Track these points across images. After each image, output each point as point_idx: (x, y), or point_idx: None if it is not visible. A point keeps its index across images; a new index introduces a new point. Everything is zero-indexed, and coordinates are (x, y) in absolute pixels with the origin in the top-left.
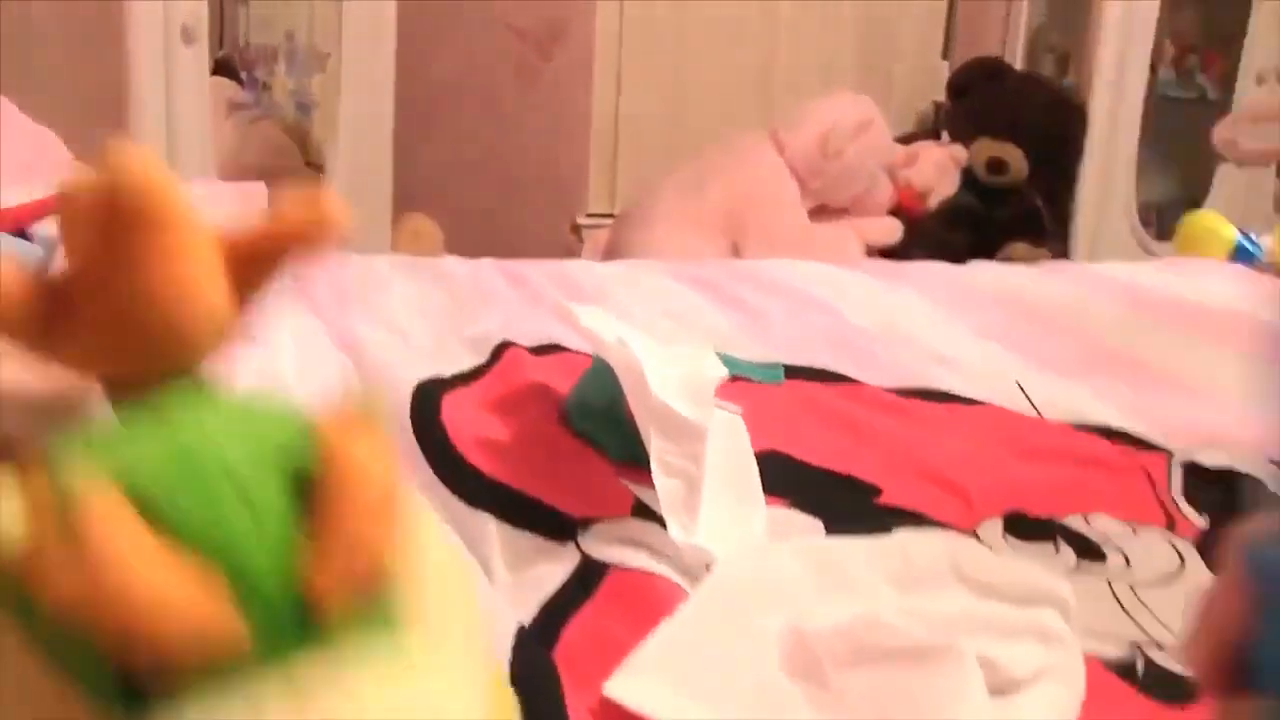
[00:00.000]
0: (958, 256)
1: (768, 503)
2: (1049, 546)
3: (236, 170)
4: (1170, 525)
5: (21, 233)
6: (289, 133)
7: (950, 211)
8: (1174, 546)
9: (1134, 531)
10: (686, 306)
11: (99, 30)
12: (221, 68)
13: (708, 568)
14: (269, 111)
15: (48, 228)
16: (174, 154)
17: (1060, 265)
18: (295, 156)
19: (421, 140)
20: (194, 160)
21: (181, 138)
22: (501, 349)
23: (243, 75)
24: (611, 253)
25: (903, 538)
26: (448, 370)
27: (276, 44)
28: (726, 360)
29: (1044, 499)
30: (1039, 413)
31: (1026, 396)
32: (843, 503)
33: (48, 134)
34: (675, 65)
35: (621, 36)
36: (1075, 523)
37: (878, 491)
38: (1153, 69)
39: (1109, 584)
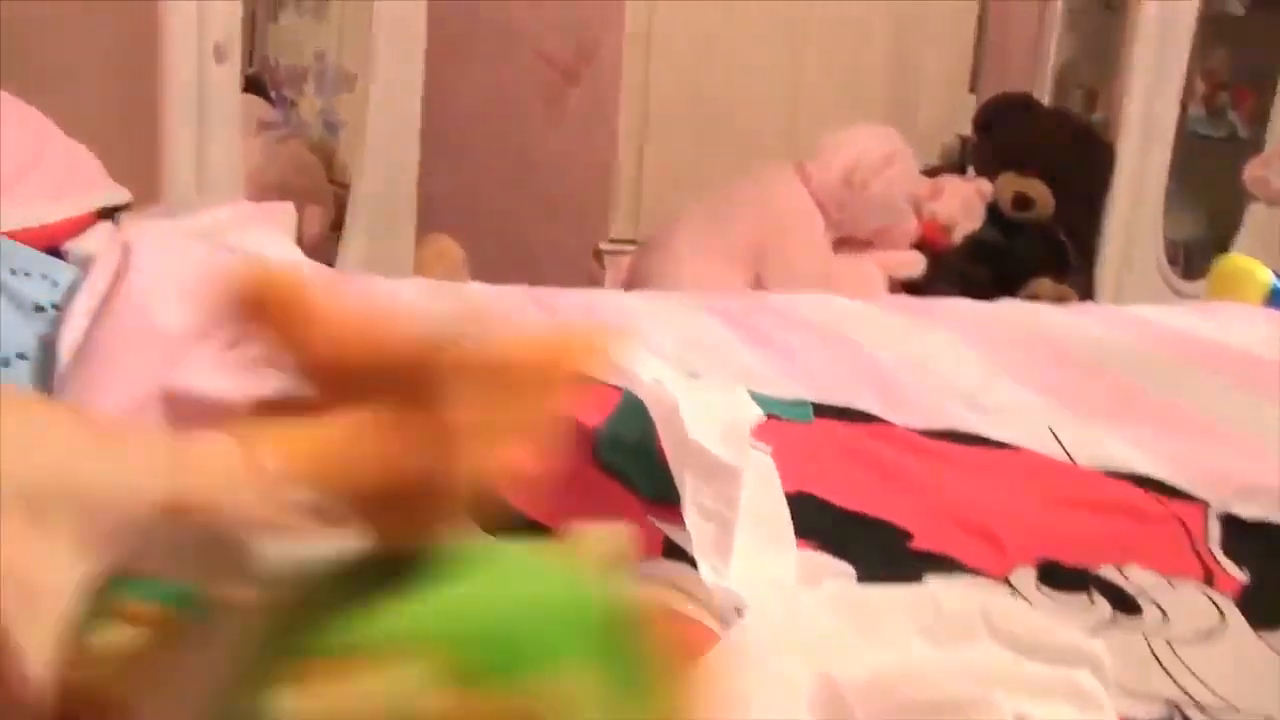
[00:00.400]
0: (982, 292)
1: (798, 546)
2: (1083, 597)
3: (262, 188)
4: (1208, 578)
5: (55, 250)
6: (315, 151)
7: (974, 246)
8: (1213, 601)
9: (1170, 584)
10: (714, 340)
11: (132, 47)
12: (251, 86)
13: (739, 611)
14: (297, 130)
15: (82, 245)
16: (204, 171)
17: (1089, 306)
18: (321, 176)
19: (446, 162)
20: (224, 178)
21: (212, 155)
22: None
23: (272, 94)
24: (634, 280)
25: (935, 588)
26: None
27: (306, 64)
28: (755, 398)
29: (1078, 548)
30: (1071, 458)
31: (1058, 441)
32: (874, 547)
33: (82, 150)
34: (701, 93)
35: (648, 64)
36: (1110, 574)
37: (909, 536)
38: (1183, 106)
39: (1145, 639)
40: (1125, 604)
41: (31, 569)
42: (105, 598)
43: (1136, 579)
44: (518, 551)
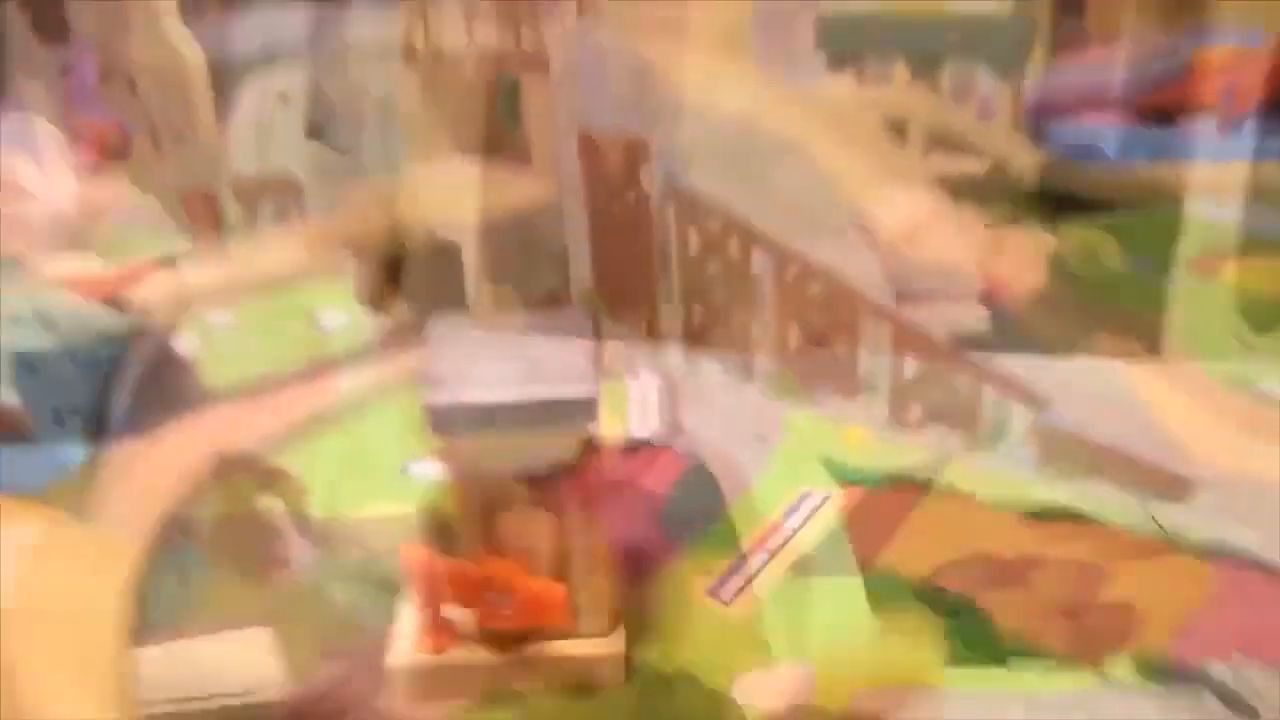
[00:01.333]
0: (1046, 347)
1: None
2: (1188, 693)
3: (323, 235)
4: None
5: (114, 299)
6: (375, 202)
7: (1039, 300)
8: None
9: None
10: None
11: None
12: (314, 131)
13: None
14: (356, 176)
15: (140, 295)
16: (263, 218)
17: (1168, 365)
18: (382, 227)
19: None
20: (285, 226)
21: (274, 201)
22: (589, 444)
23: (332, 139)
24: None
25: (1028, 679)
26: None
27: (367, 110)
28: (827, 464)
29: (1180, 637)
30: (1167, 535)
31: (1153, 518)
32: (955, 629)
33: (143, 197)
34: (749, 139)
35: (702, 115)
36: (1218, 670)
37: (991, 618)
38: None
39: None
40: (1238, 706)
41: None
42: None
43: (1250, 676)
44: None
